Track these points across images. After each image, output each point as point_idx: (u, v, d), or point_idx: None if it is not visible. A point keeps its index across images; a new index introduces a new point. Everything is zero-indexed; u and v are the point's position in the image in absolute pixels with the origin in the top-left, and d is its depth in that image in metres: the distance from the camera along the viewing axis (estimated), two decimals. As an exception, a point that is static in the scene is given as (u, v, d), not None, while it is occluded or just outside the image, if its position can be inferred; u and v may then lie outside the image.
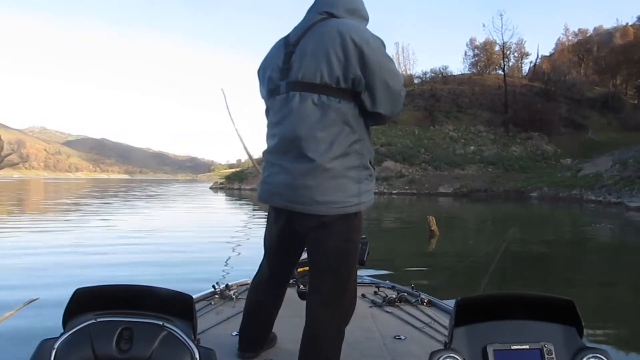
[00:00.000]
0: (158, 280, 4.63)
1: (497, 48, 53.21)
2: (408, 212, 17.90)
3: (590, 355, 1.00)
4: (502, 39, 49.04)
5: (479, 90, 48.83)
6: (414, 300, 2.42)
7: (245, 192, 32.03)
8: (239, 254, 6.92)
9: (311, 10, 1.52)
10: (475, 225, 14.05)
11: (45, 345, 0.93)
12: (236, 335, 1.79)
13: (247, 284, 2.39)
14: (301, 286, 2.07)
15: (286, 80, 1.46)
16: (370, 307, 2.36)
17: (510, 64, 55.54)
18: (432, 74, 54.63)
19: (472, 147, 37.97)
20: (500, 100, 45.43)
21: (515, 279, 5.51)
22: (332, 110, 1.40)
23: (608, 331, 3.59)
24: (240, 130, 2.64)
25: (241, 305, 1.88)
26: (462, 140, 39.64)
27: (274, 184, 1.49)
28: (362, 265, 2.10)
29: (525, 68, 60.99)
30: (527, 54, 58.87)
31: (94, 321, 0.96)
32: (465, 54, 61.52)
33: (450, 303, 2.29)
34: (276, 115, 1.50)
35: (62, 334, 0.95)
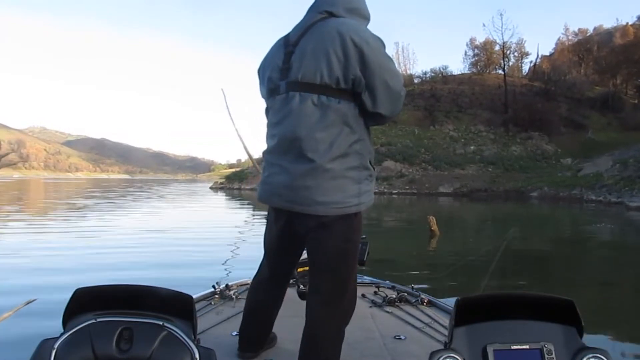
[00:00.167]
0: (158, 280, 4.63)
1: (497, 48, 53.33)
2: (408, 212, 17.90)
3: (590, 355, 0.99)
4: (502, 39, 49.19)
5: (479, 90, 48.84)
6: (414, 300, 2.42)
7: (245, 192, 32.05)
8: (239, 254, 6.92)
9: (311, 10, 1.52)
10: (475, 225, 14.05)
11: (45, 345, 0.93)
12: (236, 335, 1.79)
13: (247, 284, 2.39)
14: (301, 286, 2.07)
15: (286, 80, 1.46)
16: (370, 307, 2.36)
17: (511, 63, 55.64)
18: (432, 74, 54.70)
19: (472, 147, 37.97)
20: (501, 100, 45.44)
21: (515, 279, 5.51)
22: (332, 111, 1.40)
23: (608, 331, 3.58)
24: (240, 130, 2.63)
25: (241, 305, 1.88)
26: (462, 140, 39.65)
27: (274, 185, 1.49)
28: (362, 265, 2.10)
29: (526, 68, 61.14)
30: (527, 54, 59.01)
31: (94, 321, 0.96)
32: (465, 54, 61.68)
33: (450, 303, 2.29)
34: (276, 115, 1.50)
35: (62, 334, 0.95)
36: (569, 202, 22.71)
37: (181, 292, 1.05)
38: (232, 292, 2.43)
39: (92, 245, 7.25)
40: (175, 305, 1.03)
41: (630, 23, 60.67)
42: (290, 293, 1.88)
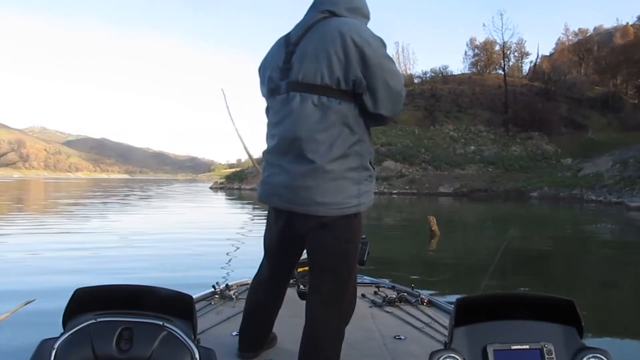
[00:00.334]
0: (158, 280, 4.63)
1: (497, 48, 53.30)
2: (408, 212, 17.90)
3: (590, 355, 0.99)
4: (502, 39, 49.17)
5: (479, 90, 48.84)
6: (414, 300, 2.42)
7: (245, 192, 32.05)
8: (239, 254, 6.92)
9: (312, 9, 1.51)
10: (475, 225, 14.05)
11: (45, 345, 0.93)
12: (236, 335, 1.79)
13: (247, 284, 2.39)
14: (301, 286, 2.07)
15: (286, 81, 1.45)
16: (370, 307, 2.36)
17: (511, 63, 55.60)
18: (432, 74, 54.66)
19: (472, 147, 37.97)
20: (501, 100, 45.44)
21: (515, 279, 5.51)
22: (333, 112, 1.39)
23: (608, 331, 3.59)
24: (240, 130, 2.63)
25: (241, 305, 1.88)
26: (462, 140, 39.65)
27: (274, 185, 1.49)
28: (362, 265, 2.10)
29: (526, 68, 61.12)
30: (527, 54, 58.97)
31: (94, 321, 0.96)
32: (466, 54, 61.64)
33: (450, 303, 2.29)
34: (276, 115, 1.50)
35: (62, 334, 0.95)
36: (569, 202, 22.71)
37: (181, 292, 1.05)
38: (232, 292, 2.43)
39: (92, 245, 7.25)
40: (175, 305, 1.03)
41: (630, 23, 60.73)
42: (290, 293, 1.88)
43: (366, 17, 1.54)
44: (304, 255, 1.66)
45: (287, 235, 1.57)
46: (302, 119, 1.40)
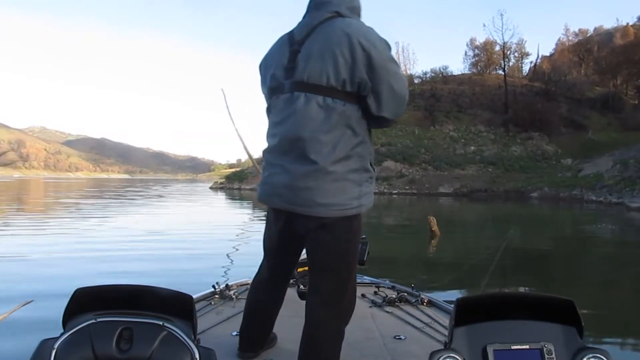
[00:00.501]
0: (158, 280, 4.63)
1: (497, 48, 53.27)
2: (408, 212, 17.90)
3: (590, 355, 0.99)
4: (503, 39, 49.12)
5: (479, 90, 48.83)
6: (414, 300, 2.42)
7: (245, 192, 32.04)
8: (239, 254, 6.92)
9: (316, 8, 1.50)
10: (475, 225, 14.05)
11: (45, 345, 0.93)
12: (236, 335, 1.79)
13: (247, 284, 2.39)
14: (301, 286, 2.07)
15: (291, 80, 1.44)
16: (370, 307, 2.36)
17: (511, 64, 55.57)
18: (432, 74, 54.64)
19: (472, 147, 37.97)
20: (501, 100, 45.42)
21: (515, 279, 5.51)
22: (337, 113, 1.39)
23: (608, 331, 3.59)
24: (240, 130, 2.63)
25: (241, 305, 1.88)
26: (462, 140, 39.64)
27: (274, 185, 1.49)
28: (362, 265, 2.10)
29: (526, 68, 61.09)
30: (527, 54, 58.94)
31: (94, 321, 0.96)
32: (466, 54, 61.59)
33: (450, 303, 2.29)
34: (278, 115, 1.49)
35: (62, 334, 0.95)
36: (569, 203, 22.71)
37: (181, 292, 1.05)
38: (232, 292, 2.43)
39: (92, 245, 7.25)
40: (175, 305, 1.03)
41: (630, 23, 60.71)
42: (290, 293, 1.88)
43: (360, 15, 1.55)
44: (304, 255, 1.66)
45: (287, 235, 1.57)
46: (306, 120, 1.40)
